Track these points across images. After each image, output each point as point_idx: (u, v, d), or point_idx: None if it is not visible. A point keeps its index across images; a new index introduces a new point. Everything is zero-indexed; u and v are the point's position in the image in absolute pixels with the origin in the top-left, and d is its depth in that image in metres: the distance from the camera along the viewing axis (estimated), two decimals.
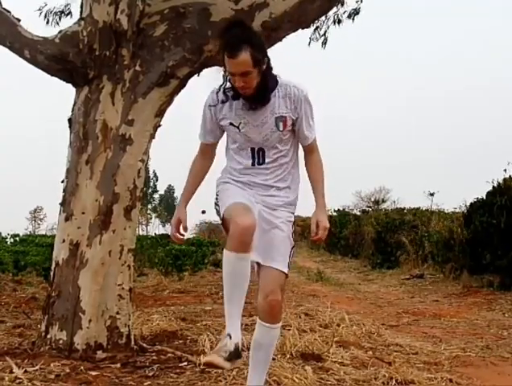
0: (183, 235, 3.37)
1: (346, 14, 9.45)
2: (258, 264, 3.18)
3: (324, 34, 9.51)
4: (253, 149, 3.20)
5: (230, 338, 2.93)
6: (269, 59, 3.11)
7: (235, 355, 2.92)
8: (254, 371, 3.26)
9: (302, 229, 32.76)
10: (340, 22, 9.40)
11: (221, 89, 3.19)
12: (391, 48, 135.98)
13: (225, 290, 3.04)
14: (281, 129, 3.16)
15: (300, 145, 3.31)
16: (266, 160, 3.20)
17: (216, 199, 3.26)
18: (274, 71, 3.17)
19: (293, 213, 3.29)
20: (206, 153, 3.39)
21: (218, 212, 3.21)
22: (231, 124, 3.19)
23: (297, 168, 3.33)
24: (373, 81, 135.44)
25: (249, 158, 3.22)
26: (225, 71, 3.10)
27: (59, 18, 9.68)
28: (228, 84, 3.15)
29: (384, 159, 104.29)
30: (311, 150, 3.30)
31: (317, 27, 9.32)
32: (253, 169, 3.22)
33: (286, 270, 3.18)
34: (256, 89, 3.06)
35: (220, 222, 3.21)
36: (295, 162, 3.30)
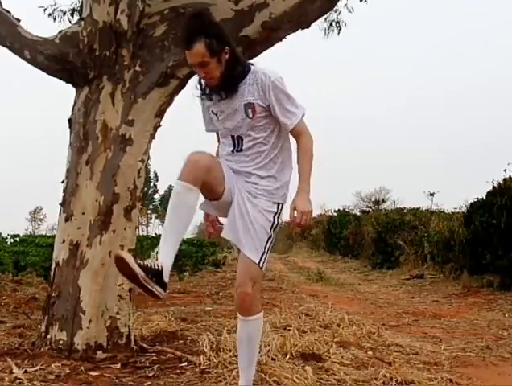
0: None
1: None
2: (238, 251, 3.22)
3: (338, 22, 9.56)
4: (233, 137, 3.25)
5: (156, 259, 2.93)
6: (233, 49, 3.15)
7: (153, 273, 2.86)
8: (240, 364, 3.31)
9: (302, 229, 32.75)
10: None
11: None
12: (391, 48, 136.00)
13: (166, 218, 3.05)
14: (250, 116, 3.18)
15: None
16: (244, 146, 3.23)
17: None
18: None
19: (277, 203, 3.25)
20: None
21: None
22: (213, 112, 3.29)
23: (285, 156, 3.30)
24: (372, 81, 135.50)
25: (230, 145, 3.27)
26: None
27: (72, 16, 9.71)
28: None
29: (384, 159, 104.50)
30: (296, 136, 3.28)
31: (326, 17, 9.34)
32: (233, 155, 3.25)
33: (257, 261, 3.16)
34: (221, 79, 3.12)
35: None
36: (280, 150, 3.28)
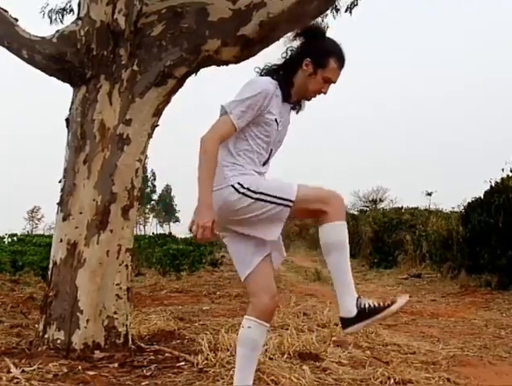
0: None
1: (343, 8, 9.54)
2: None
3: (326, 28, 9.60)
4: (271, 150, 3.20)
5: None
6: None
7: None
8: (251, 371, 3.20)
9: (299, 229, 32.77)
10: (337, 10, 9.49)
11: (276, 83, 3.14)
12: (388, 47, 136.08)
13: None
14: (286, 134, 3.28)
15: None
16: (269, 161, 3.23)
17: (245, 187, 3.00)
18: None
19: None
20: (223, 141, 3.06)
21: (255, 194, 3.00)
22: (276, 120, 3.13)
23: None
24: (371, 81, 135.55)
25: (265, 157, 3.18)
26: (312, 75, 3.11)
27: (62, 16, 9.74)
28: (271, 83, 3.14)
29: (382, 158, 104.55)
30: None
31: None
32: (260, 168, 3.17)
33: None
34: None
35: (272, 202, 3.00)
36: None
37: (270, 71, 3.19)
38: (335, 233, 2.99)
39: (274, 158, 3.26)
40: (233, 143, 3.10)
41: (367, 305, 2.92)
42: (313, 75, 3.10)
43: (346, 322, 2.98)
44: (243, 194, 3.00)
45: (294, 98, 3.20)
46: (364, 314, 2.92)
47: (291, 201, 2.98)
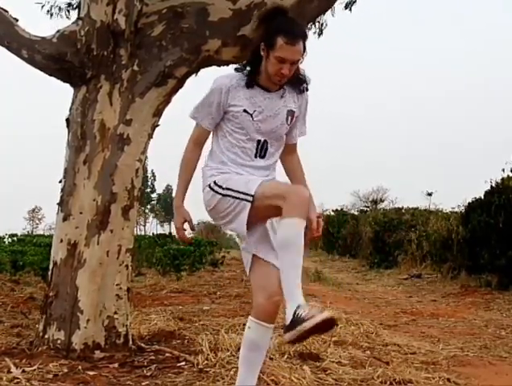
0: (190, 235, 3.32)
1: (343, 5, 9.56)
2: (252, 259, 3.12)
3: (321, 25, 9.63)
4: (258, 141, 3.14)
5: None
6: None
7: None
8: (251, 372, 3.16)
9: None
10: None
11: (238, 75, 3.14)
12: (389, 47, 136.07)
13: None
14: (289, 122, 3.19)
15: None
16: (267, 154, 3.17)
17: (217, 185, 3.05)
18: None
19: None
20: (201, 144, 3.21)
21: (223, 190, 3.02)
22: (245, 111, 3.11)
23: None
24: (371, 81, 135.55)
25: (252, 149, 3.15)
26: (267, 58, 3.04)
27: (68, 12, 9.75)
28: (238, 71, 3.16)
29: (382, 159, 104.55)
30: (295, 149, 3.34)
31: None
32: (253, 161, 3.14)
33: None
34: (290, 78, 3.11)
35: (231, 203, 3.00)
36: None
37: (244, 66, 3.20)
38: (281, 231, 2.85)
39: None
40: (217, 144, 3.18)
41: (298, 315, 2.73)
42: (267, 59, 3.05)
43: (284, 329, 2.83)
44: (216, 192, 3.06)
45: (266, 85, 3.12)
46: (294, 322, 2.74)
47: (250, 195, 2.96)
